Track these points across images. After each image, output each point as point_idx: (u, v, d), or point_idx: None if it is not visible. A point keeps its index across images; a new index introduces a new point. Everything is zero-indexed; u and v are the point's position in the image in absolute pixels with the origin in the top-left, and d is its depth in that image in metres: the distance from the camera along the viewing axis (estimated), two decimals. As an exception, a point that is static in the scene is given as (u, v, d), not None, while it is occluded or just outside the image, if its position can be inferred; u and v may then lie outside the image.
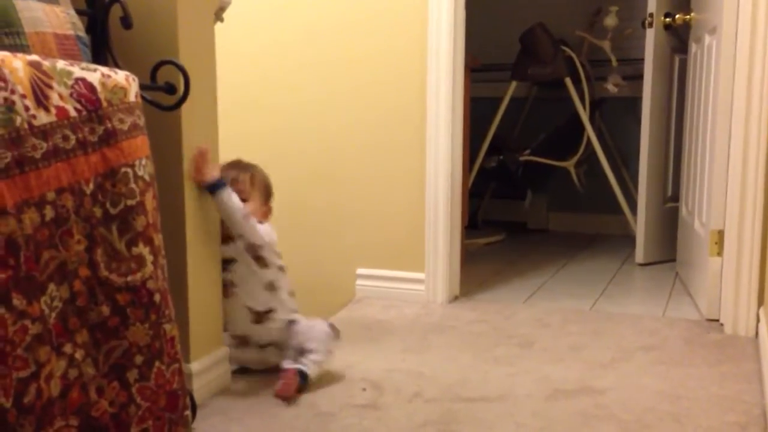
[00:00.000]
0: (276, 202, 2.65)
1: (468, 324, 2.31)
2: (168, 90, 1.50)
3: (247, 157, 2.10)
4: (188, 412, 1.28)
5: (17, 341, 1.02)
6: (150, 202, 1.26)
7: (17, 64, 1.08)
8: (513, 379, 1.83)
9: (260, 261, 1.77)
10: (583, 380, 1.81)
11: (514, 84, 3.60)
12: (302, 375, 1.69)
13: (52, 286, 1.09)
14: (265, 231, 1.76)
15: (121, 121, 1.24)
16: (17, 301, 1.02)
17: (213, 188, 1.64)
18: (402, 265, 2.58)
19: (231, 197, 1.66)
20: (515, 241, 3.75)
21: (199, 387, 1.61)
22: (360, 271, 2.63)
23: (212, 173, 1.64)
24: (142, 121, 1.28)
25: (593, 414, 1.60)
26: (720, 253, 2.25)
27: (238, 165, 1.82)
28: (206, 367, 1.66)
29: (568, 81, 3.46)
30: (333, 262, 2.66)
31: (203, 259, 1.65)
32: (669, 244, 3.12)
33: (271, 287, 1.78)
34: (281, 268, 1.82)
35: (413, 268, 2.56)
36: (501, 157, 3.62)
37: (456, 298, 2.60)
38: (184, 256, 1.58)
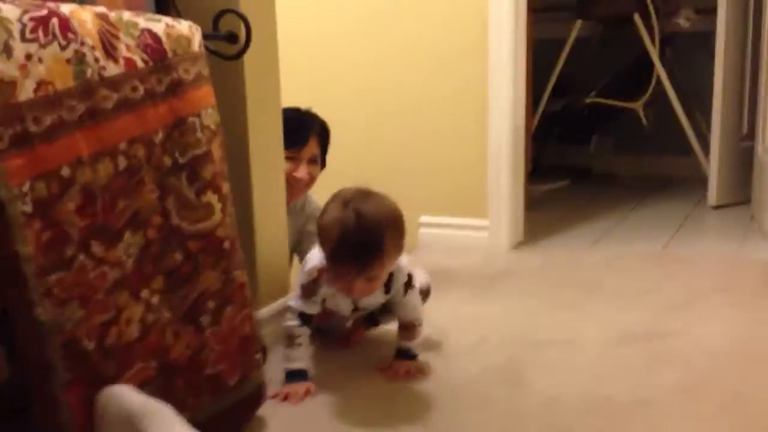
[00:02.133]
0: (339, 153, 2.66)
1: (533, 269, 2.29)
2: (230, 39, 1.51)
3: (305, 100, 2.10)
4: (259, 356, 1.32)
5: (98, 286, 1.06)
6: (217, 150, 1.27)
7: (86, 16, 1.10)
8: (580, 323, 1.81)
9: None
10: (654, 323, 1.78)
11: (579, 23, 3.47)
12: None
13: (128, 234, 1.13)
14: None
15: (186, 71, 1.25)
16: (96, 248, 1.06)
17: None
18: (465, 212, 2.57)
19: None
20: (580, 187, 3.68)
21: (267, 333, 1.65)
22: (423, 219, 2.63)
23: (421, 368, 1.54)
24: (206, 71, 1.29)
25: (663, 358, 1.58)
26: (799, 193, 2.16)
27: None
28: (274, 314, 1.70)
29: (636, 17, 3.32)
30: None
31: (269, 209, 1.67)
32: (744, 186, 3.00)
33: None
34: None
35: (477, 214, 2.54)
36: (565, 100, 3.53)
37: (520, 244, 2.57)
38: (250, 206, 1.61)
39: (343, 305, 1.55)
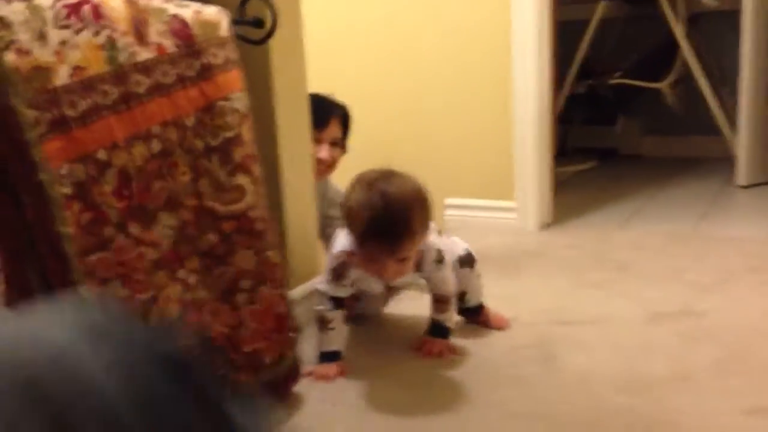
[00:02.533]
0: (363, 137, 2.67)
1: (562, 250, 2.28)
2: (256, 24, 1.52)
3: (336, 94, 2.11)
4: (294, 334, 1.34)
5: (137, 266, 1.08)
6: (247, 133, 1.29)
7: (116, 2, 1.11)
8: (610, 302, 1.81)
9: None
10: (684, 303, 1.77)
11: (603, 4, 3.44)
12: None
13: (163, 215, 1.15)
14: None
15: (215, 55, 1.26)
16: (134, 229, 1.08)
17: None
18: (492, 193, 2.57)
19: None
20: (607, 168, 3.65)
21: (298, 313, 1.66)
22: (449, 201, 2.63)
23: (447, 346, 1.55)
24: (235, 55, 1.30)
25: (694, 336, 1.57)
26: (832, 169, 2.12)
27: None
28: (305, 294, 1.71)
29: (661, -3, 3.28)
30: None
31: (298, 192, 1.69)
32: (773, 165, 2.96)
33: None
34: None
35: (503, 196, 2.54)
36: (591, 82, 3.50)
37: (548, 225, 2.57)
38: (279, 188, 1.63)
39: (374, 285, 1.57)
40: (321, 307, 1.50)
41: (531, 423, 1.24)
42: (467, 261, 1.64)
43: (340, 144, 2.06)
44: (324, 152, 1.99)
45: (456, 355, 1.51)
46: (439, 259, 1.52)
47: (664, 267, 2.06)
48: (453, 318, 1.58)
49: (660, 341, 1.55)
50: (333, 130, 2.02)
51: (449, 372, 1.45)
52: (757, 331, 1.58)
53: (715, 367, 1.41)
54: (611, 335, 1.60)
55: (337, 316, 1.50)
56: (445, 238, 1.64)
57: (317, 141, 1.96)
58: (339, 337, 1.51)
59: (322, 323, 1.49)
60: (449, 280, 1.55)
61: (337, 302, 1.50)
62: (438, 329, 1.55)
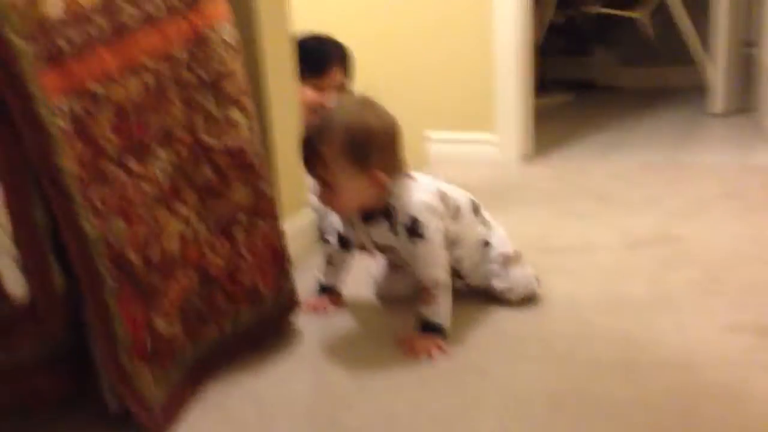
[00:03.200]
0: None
1: (543, 181, 2.33)
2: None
3: (313, 18, 2.08)
4: (290, 267, 1.36)
5: (138, 201, 1.09)
6: (239, 68, 1.29)
7: (104, -67, 1.09)
8: (592, 230, 1.86)
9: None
10: (664, 229, 1.83)
11: (581, -69, 3.40)
12: None
13: (160, 150, 1.15)
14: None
15: (202, -14, 1.24)
16: (132, 164, 1.09)
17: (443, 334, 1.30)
18: (473, 126, 2.59)
19: (448, 304, 1.31)
20: (585, 100, 3.68)
21: (291, 245, 1.69)
22: (431, 134, 2.64)
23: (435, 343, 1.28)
24: (220, -13, 1.29)
25: (675, 259, 1.63)
26: (806, 97, 2.17)
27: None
28: (295, 228, 1.74)
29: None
30: (403, 126, 2.67)
31: (287, 125, 1.69)
32: (748, 93, 3.01)
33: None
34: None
35: (485, 128, 2.56)
36: (569, 12, 3.49)
37: (529, 157, 2.60)
38: (269, 122, 1.63)
39: (361, 238, 1.42)
40: (330, 241, 1.49)
41: (521, 343, 1.30)
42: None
43: (345, 88, 2.05)
44: (329, 99, 1.97)
45: (444, 353, 1.26)
46: (413, 230, 1.29)
47: (642, 195, 2.11)
48: (444, 311, 1.30)
49: (640, 266, 1.61)
50: (336, 75, 2.01)
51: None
52: (733, 253, 1.64)
53: (694, 289, 1.47)
54: (594, 262, 1.65)
55: (340, 255, 1.47)
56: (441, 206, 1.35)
57: (321, 88, 1.95)
58: (339, 273, 1.49)
59: (327, 257, 1.49)
60: (432, 264, 1.30)
61: (342, 240, 1.46)
62: (424, 325, 1.30)
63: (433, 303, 1.29)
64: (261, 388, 1.18)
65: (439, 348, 1.27)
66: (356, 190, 1.30)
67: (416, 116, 2.65)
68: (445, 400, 1.13)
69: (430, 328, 1.29)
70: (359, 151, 1.27)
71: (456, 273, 1.40)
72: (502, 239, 1.46)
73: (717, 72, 3.06)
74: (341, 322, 1.42)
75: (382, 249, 1.41)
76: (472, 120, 2.59)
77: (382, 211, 1.33)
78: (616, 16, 3.45)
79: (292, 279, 1.36)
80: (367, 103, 1.32)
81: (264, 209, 1.30)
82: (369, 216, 1.35)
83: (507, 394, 1.13)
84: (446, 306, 1.30)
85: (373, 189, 1.30)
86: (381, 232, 1.35)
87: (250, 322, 1.27)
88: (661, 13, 3.53)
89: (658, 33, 3.58)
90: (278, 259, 1.32)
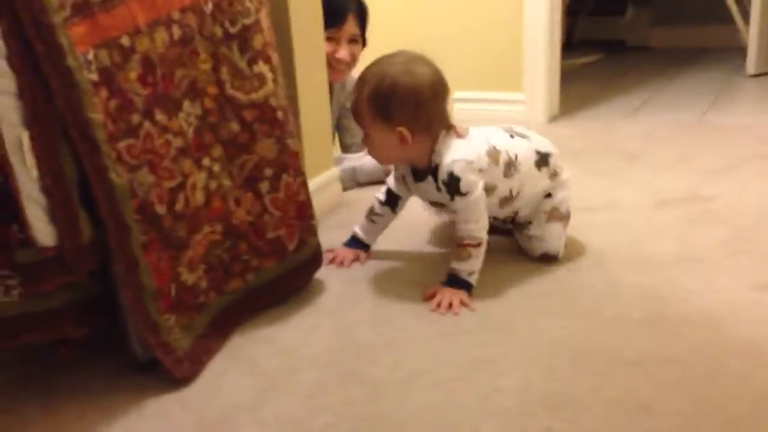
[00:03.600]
0: (371, 26, 2.60)
1: (570, 140, 2.30)
2: None
3: None
4: (315, 222, 1.37)
5: (164, 153, 1.10)
6: (265, 20, 1.28)
7: None
8: (619, 190, 1.84)
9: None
10: (693, 188, 1.80)
11: None
12: None
13: (186, 103, 1.15)
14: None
15: (227, -62, 1.23)
16: (159, 116, 1.09)
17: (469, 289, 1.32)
18: (500, 86, 2.56)
19: (478, 261, 1.32)
20: (614, 60, 3.61)
21: (315, 204, 1.69)
22: (457, 94, 2.61)
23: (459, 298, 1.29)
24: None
25: (704, 219, 1.61)
26: None
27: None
28: (320, 185, 1.74)
29: None
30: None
31: (312, 82, 1.68)
32: (784, 53, 2.93)
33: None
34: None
35: (511, 88, 2.53)
36: (600, -31, 3.41)
37: (556, 117, 2.57)
38: (293, 79, 1.62)
39: (411, 194, 1.47)
40: (377, 196, 1.50)
41: (546, 298, 1.29)
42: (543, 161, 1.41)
43: (359, 40, 2.03)
44: (343, 53, 1.96)
45: (470, 309, 1.28)
46: (451, 186, 1.31)
47: (672, 155, 2.08)
48: (475, 268, 1.32)
49: (669, 225, 1.59)
50: (350, 27, 1.98)
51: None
52: (763, 213, 1.61)
53: (723, 248, 1.45)
54: (622, 220, 1.64)
55: (383, 212, 1.49)
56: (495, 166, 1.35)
57: (335, 40, 1.93)
58: (373, 230, 1.51)
59: (369, 211, 1.51)
60: (470, 217, 1.32)
61: (390, 197, 1.47)
62: (452, 280, 1.32)
63: (467, 259, 1.31)
64: (286, 340, 1.20)
65: (464, 303, 1.28)
66: (385, 143, 1.33)
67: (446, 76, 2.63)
68: (468, 354, 1.13)
69: (457, 283, 1.31)
70: (383, 106, 1.30)
71: (512, 221, 1.49)
72: (564, 196, 1.46)
73: (753, 32, 2.97)
74: (366, 275, 1.43)
75: (435, 205, 1.44)
76: (500, 80, 2.56)
77: (428, 169, 1.35)
78: (649, -27, 3.37)
79: (316, 234, 1.37)
80: (411, 61, 1.32)
81: (289, 163, 1.30)
82: (419, 173, 1.38)
83: (531, 349, 1.14)
84: (478, 264, 1.32)
85: (403, 144, 1.31)
86: (429, 189, 1.37)
87: (274, 275, 1.28)
88: (697, -29, 3.44)
89: (692, -9, 3.49)
90: (303, 214, 1.33)
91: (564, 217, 1.45)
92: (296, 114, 1.63)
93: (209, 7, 1.19)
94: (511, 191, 1.39)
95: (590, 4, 3.80)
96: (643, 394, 1.01)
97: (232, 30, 1.22)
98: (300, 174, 1.33)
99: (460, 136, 1.35)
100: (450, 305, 1.27)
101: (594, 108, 2.70)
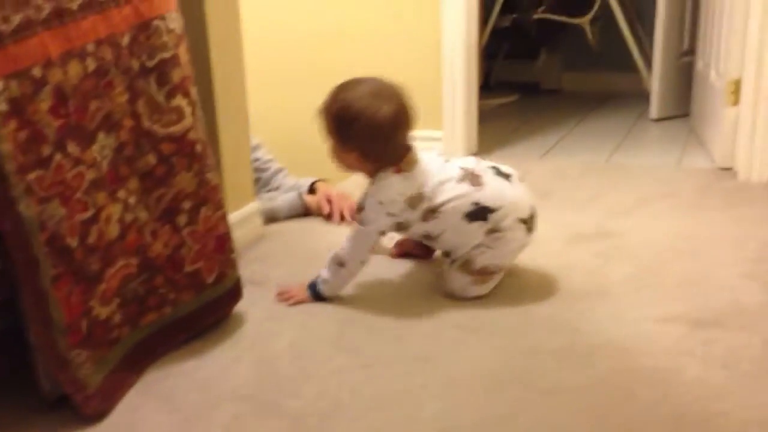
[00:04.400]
0: (290, 62, 2.65)
1: (487, 179, 2.36)
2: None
3: (264, 13, 2.05)
4: (235, 255, 1.36)
5: (76, 186, 1.07)
6: (184, 54, 1.27)
7: None
8: (534, 226, 1.90)
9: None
10: (602, 225, 1.88)
11: (527, -62, 3.47)
12: None
13: (101, 135, 1.13)
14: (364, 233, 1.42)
15: (149, -28, 1.23)
16: (72, 148, 1.07)
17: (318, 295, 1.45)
18: (420, 124, 2.60)
19: (331, 276, 1.43)
20: (529, 102, 3.75)
21: (235, 237, 1.68)
22: (378, 132, 2.66)
23: (298, 291, 1.45)
24: (168, -27, 1.28)
25: (613, 254, 1.68)
26: (736, 102, 2.26)
27: None
28: (241, 218, 1.73)
29: (583, -68, 3.34)
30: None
31: (232, 115, 1.68)
32: (683, 99, 3.11)
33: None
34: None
35: (432, 126, 2.59)
36: (515, 16, 3.55)
37: (474, 155, 2.64)
38: (213, 112, 1.61)
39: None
40: None
41: (465, 332, 1.32)
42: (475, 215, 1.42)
43: None
44: None
45: (303, 302, 1.43)
46: (358, 213, 1.43)
47: (582, 194, 2.17)
48: (328, 278, 1.42)
49: (580, 259, 1.66)
50: None
51: (388, 291, 1.51)
52: (668, 249, 1.70)
53: (630, 282, 1.52)
54: (536, 255, 1.68)
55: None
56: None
57: None
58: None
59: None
60: (351, 242, 1.41)
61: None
62: (311, 281, 1.45)
63: (327, 267, 1.43)
64: (204, 374, 1.18)
65: (300, 301, 1.43)
66: (341, 156, 1.44)
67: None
68: (389, 385, 1.14)
69: (311, 286, 1.44)
70: (343, 128, 1.40)
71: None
72: (490, 254, 1.43)
73: (655, 79, 3.16)
74: (288, 309, 1.42)
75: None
76: (420, 117, 2.61)
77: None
78: (560, 21, 3.53)
79: (236, 267, 1.35)
80: (378, 96, 1.41)
81: (208, 196, 1.29)
82: None
83: (450, 380, 1.15)
84: (333, 276, 1.43)
85: (356, 162, 1.42)
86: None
87: (192, 309, 1.26)
88: (604, 21, 3.63)
89: (600, 40, 3.68)
90: (222, 247, 1.32)
91: (474, 272, 1.43)
92: (217, 147, 1.62)
93: (126, 40, 1.18)
94: (429, 233, 1.45)
95: (506, 48, 3.95)
96: (556, 422, 1.03)
97: (150, 63, 1.21)
98: (219, 207, 1.32)
99: (399, 171, 1.41)
100: (289, 297, 1.43)
101: (510, 147, 2.79)
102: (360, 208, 1.42)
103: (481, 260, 1.43)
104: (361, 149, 1.40)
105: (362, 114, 1.37)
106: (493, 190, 1.44)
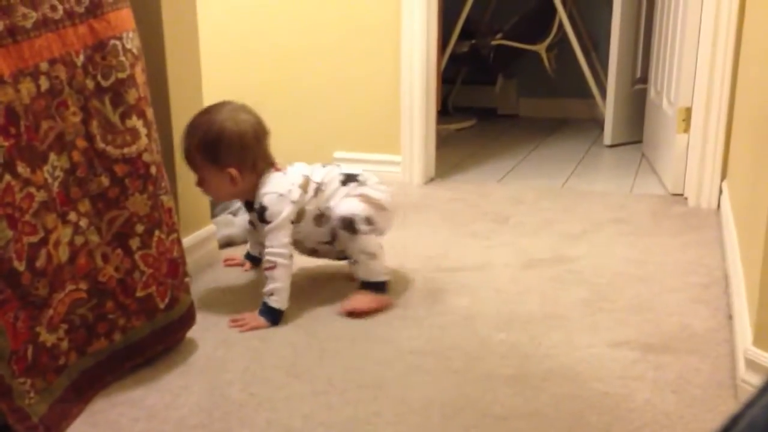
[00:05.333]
0: (254, 85, 2.64)
1: (445, 203, 2.38)
2: (146, -37, 1.47)
3: (223, 32, 2.05)
4: (188, 279, 1.34)
5: (25, 208, 1.05)
6: (140, 75, 1.26)
7: (-1, -71, 1.05)
8: (490, 250, 1.92)
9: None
10: (557, 250, 1.91)
11: (485, -34, 3.53)
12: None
13: (52, 156, 1.11)
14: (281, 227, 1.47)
15: (105, -8, 1.22)
16: (21, 169, 1.05)
17: (273, 318, 1.46)
18: (378, 147, 2.62)
19: (274, 292, 1.45)
20: (486, 127, 3.79)
21: (190, 261, 1.66)
22: (337, 154, 2.66)
23: (251, 319, 1.45)
24: (125, -7, 1.27)
25: (567, 279, 1.71)
26: (687, 130, 2.33)
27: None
28: (196, 242, 1.71)
29: (540, -38, 3.41)
30: (310, 146, 2.68)
31: (189, 138, 1.67)
32: (636, 126, 3.19)
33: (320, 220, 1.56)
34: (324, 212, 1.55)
35: (390, 150, 2.60)
36: (473, 42, 3.61)
37: (432, 179, 2.66)
38: (170, 134, 1.60)
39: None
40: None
41: (419, 357, 1.32)
42: (346, 225, 1.51)
43: None
44: None
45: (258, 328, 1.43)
46: (261, 215, 1.47)
47: (537, 219, 2.20)
48: (273, 287, 1.45)
49: (535, 284, 1.67)
50: None
51: (341, 316, 1.50)
52: (620, 274, 1.73)
53: (583, 307, 1.54)
54: (491, 280, 1.70)
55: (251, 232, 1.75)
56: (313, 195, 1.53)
57: None
58: (256, 246, 1.73)
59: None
60: (270, 242, 1.46)
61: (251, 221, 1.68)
62: (262, 305, 1.46)
63: (267, 281, 1.46)
64: (152, 403, 1.15)
65: (254, 327, 1.43)
66: (217, 183, 1.49)
67: (325, 136, 2.68)
68: (341, 413, 1.13)
69: (262, 310, 1.46)
70: (213, 151, 1.45)
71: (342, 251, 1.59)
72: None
73: (608, 106, 3.23)
74: (240, 335, 1.40)
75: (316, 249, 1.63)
76: (378, 142, 2.63)
77: (253, 201, 1.52)
78: (517, 48, 3.60)
79: (189, 291, 1.33)
80: (234, 110, 1.49)
81: (162, 220, 1.27)
82: (249, 204, 1.56)
83: (403, 407, 1.15)
84: (277, 284, 1.45)
85: (233, 183, 1.47)
86: (255, 218, 1.55)
87: (143, 335, 1.24)
88: (560, 49, 3.71)
89: (556, 67, 3.76)
90: (175, 271, 1.30)
91: (372, 255, 1.54)
92: (172, 169, 1.60)
93: (81, 60, 1.17)
94: (319, 208, 1.54)
95: (464, 73, 4.00)
96: (509, 449, 1.04)
97: (105, 84, 1.20)
98: (173, 231, 1.30)
99: (278, 170, 1.52)
100: (242, 325, 1.43)
101: (468, 172, 2.82)
102: (263, 210, 1.47)
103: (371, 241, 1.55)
104: (237, 161, 1.46)
105: (226, 126, 1.46)
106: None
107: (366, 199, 1.55)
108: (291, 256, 1.49)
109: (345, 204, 1.53)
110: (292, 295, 1.50)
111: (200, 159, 1.47)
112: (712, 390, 1.21)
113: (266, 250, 1.47)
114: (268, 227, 1.47)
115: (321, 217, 1.55)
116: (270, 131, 1.53)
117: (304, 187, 1.52)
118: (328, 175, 1.57)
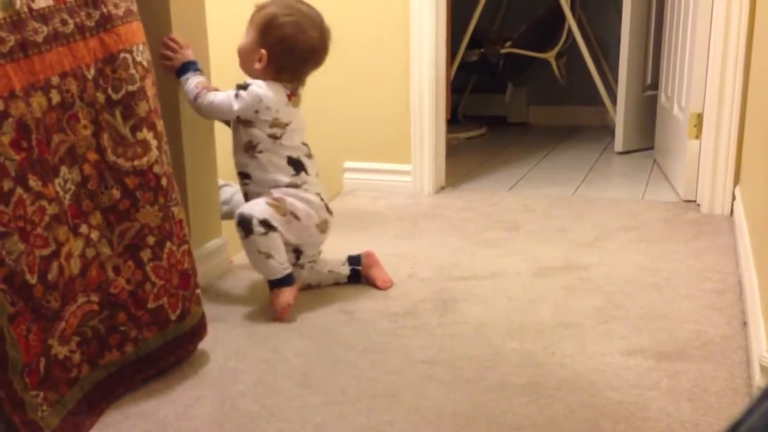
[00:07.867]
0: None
1: (456, 211, 2.37)
2: (156, -24, 1.48)
3: (233, 45, 2.07)
4: (199, 291, 1.34)
5: (36, 221, 1.05)
6: (150, 88, 1.27)
7: (10, -55, 1.06)
8: (502, 259, 1.91)
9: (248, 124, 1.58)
10: (569, 258, 1.90)
11: (494, -26, 3.54)
12: None
13: (64, 169, 1.12)
14: (231, 98, 1.54)
15: (116, 5, 1.23)
16: (33, 182, 1.05)
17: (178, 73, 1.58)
18: (389, 157, 2.62)
19: (186, 82, 1.56)
20: (496, 135, 3.79)
21: (201, 273, 1.66)
22: (347, 164, 2.67)
23: (178, 59, 1.57)
24: (135, 7, 1.28)
25: (579, 286, 1.70)
26: (698, 136, 2.31)
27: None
28: (207, 254, 1.71)
29: (549, -30, 3.41)
30: (321, 156, 2.66)
31: (199, 149, 1.67)
32: (647, 133, 3.18)
33: (249, 147, 1.58)
34: (275, 136, 1.58)
35: (400, 160, 2.60)
36: (482, 51, 3.61)
37: (442, 188, 2.66)
38: (180, 146, 1.60)
39: None
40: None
41: (432, 366, 1.31)
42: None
43: None
44: None
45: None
46: (244, 84, 1.57)
47: (549, 227, 2.19)
48: (190, 87, 1.57)
49: (547, 293, 1.66)
50: None
51: (354, 324, 1.50)
52: (633, 282, 1.72)
53: (596, 315, 1.53)
54: (503, 288, 1.70)
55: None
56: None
57: None
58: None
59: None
60: (217, 96, 1.56)
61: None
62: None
63: (193, 85, 1.56)
64: (164, 415, 1.15)
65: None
66: (248, 53, 1.58)
67: (335, 146, 2.68)
68: (354, 422, 1.12)
69: (181, 71, 1.57)
70: (267, 31, 1.55)
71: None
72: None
73: (619, 113, 3.22)
74: (252, 346, 1.40)
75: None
76: (388, 151, 2.63)
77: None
78: (527, 56, 3.59)
79: (200, 303, 1.34)
80: (310, 19, 1.57)
81: (173, 231, 1.28)
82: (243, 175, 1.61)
83: (416, 416, 1.14)
84: (192, 94, 1.56)
85: (259, 62, 1.55)
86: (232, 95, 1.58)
87: (154, 346, 1.24)
88: (570, 56, 3.70)
89: (566, 74, 3.75)
90: (186, 283, 1.30)
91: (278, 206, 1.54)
92: (183, 182, 1.60)
93: (92, 73, 1.17)
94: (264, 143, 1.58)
95: (474, 81, 4.00)
96: (523, 459, 1.03)
97: (115, 96, 1.20)
98: (184, 242, 1.30)
99: (276, 82, 1.57)
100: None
101: (478, 180, 2.82)
102: (247, 84, 1.54)
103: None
104: (272, 55, 1.54)
105: (289, 28, 1.54)
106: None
107: (277, 203, 1.54)
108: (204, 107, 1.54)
109: (251, 203, 1.54)
110: (303, 305, 1.49)
111: (257, 21, 1.55)
112: (727, 398, 1.19)
113: (210, 93, 1.53)
114: (233, 90, 1.53)
115: (253, 148, 1.57)
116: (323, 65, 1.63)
117: (278, 124, 1.57)
118: (297, 152, 1.64)
